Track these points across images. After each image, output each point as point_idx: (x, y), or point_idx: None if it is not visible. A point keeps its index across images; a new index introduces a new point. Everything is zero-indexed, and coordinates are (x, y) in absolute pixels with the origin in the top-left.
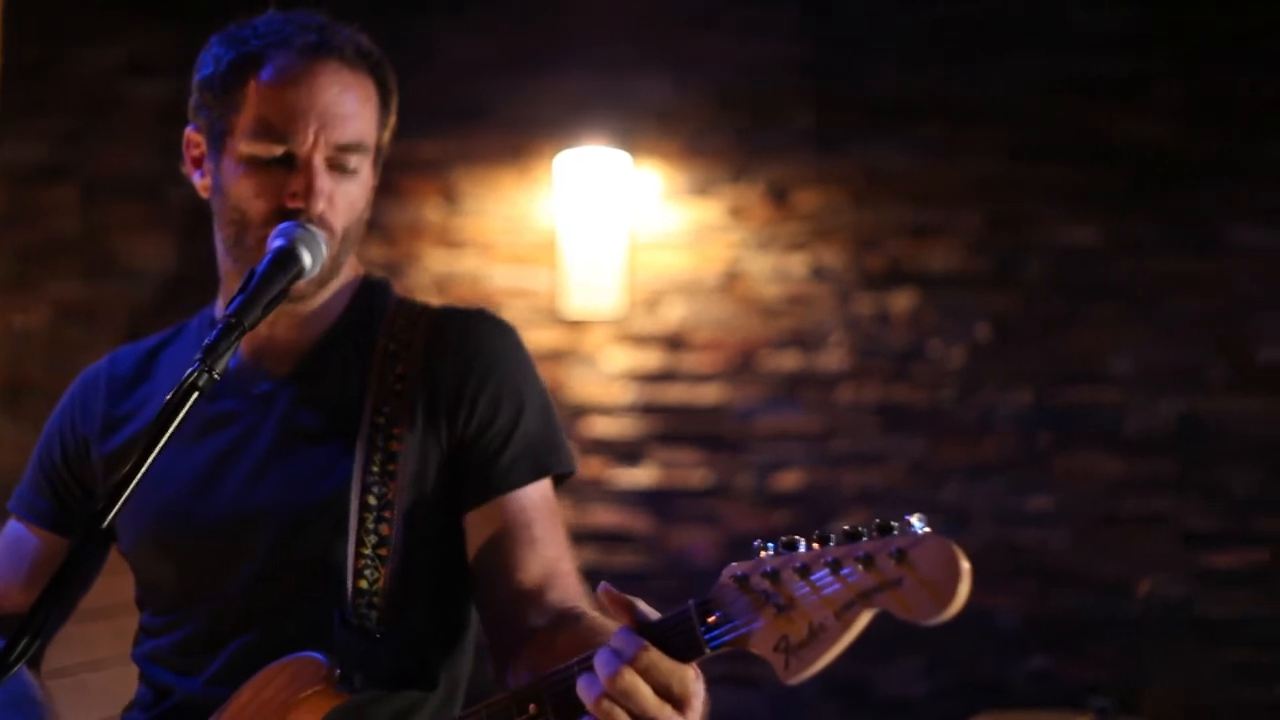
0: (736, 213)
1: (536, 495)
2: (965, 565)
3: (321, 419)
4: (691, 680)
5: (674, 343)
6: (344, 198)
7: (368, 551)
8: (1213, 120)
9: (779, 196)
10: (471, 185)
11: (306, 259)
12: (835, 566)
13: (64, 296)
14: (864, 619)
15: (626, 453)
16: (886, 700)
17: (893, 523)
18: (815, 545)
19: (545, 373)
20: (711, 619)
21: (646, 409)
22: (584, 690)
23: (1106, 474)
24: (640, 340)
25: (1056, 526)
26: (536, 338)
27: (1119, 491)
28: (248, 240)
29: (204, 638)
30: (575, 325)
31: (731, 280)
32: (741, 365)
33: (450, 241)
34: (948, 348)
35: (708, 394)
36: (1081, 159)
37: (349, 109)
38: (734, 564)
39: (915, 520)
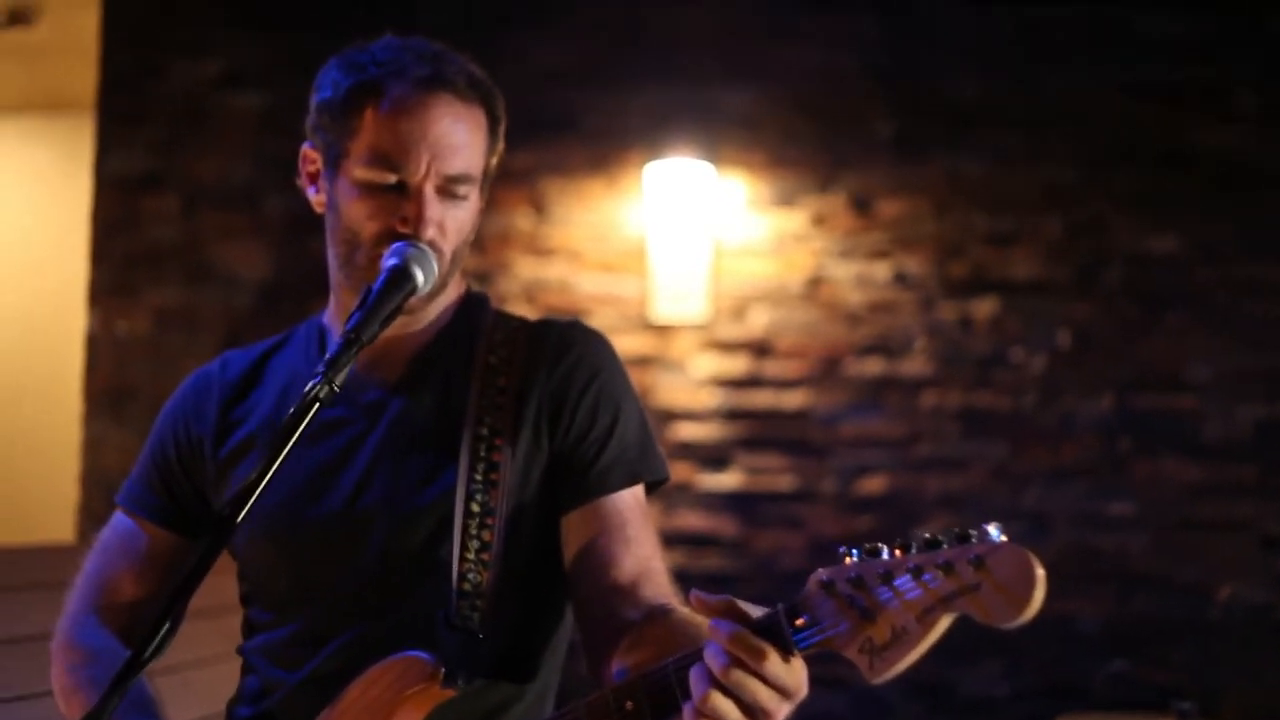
0: (819, 221)
1: (630, 499)
2: (1040, 572)
3: (427, 428)
4: (801, 670)
5: (759, 349)
6: (453, 222)
7: (471, 556)
8: None
9: (861, 205)
10: (560, 194)
11: (419, 277)
12: (917, 572)
13: (165, 303)
14: (944, 623)
15: (712, 457)
16: (969, 701)
17: (971, 531)
18: (897, 552)
19: (633, 378)
20: (800, 621)
21: (732, 414)
22: (695, 683)
23: (1186, 479)
24: (726, 346)
25: (1136, 531)
26: (624, 344)
27: (1198, 497)
28: (358, 259)
29: (310, 634)
30: (662, 331)
31: (815, 287)
32: (826, 371)
33: (539, 249)
34: (1029, 354)
35: (792, 399)
36: (1159, 166)
37: (460, 140)
38: (820, 570)
39: (992, 529)
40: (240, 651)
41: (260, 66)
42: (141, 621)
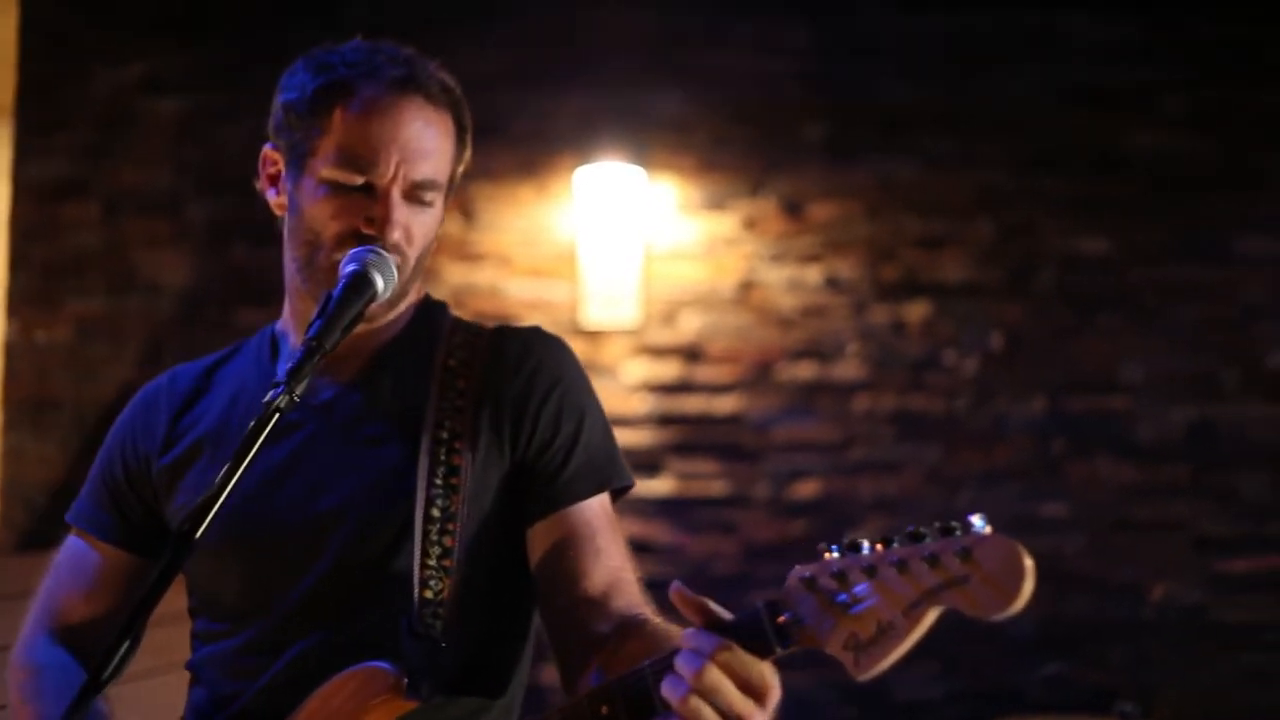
0: (751, 225)
1: (598, 507)
2: (1029, 563)
3: (383, 429)
4: (771, 674)
5: (691, 354)
6: (418, 227)
7: (432, 562)
8: (1221, 130)
9: (792, 209)
10: (488, 200)
11: (379, 283)
12: (902, 566)
13: (86, 311)
14: (930, 616)
15: (645, 463)
16: (903, 705)
17: (954, 523)
18: (879, 547)
19: None
20: (781, 619)
21: (664, 419)
22: (670, 690)
23: (1119, 480)
24: (657, 351)
25: (1070, 533)
26: None
27: (1132, 498)
28: (319, 260)
29: (266, 643)
30: (593, 337)
31: (747, 291)
32: (758, 376)
33: (468, 255)
34: (961, 357)
35: (724, 404)
36: (1091, 170)
37: (429, 145)
38: (800, 566)
39: (976, 520)
40: (189, 666)
41: (182, 72)
42: (94, 640)
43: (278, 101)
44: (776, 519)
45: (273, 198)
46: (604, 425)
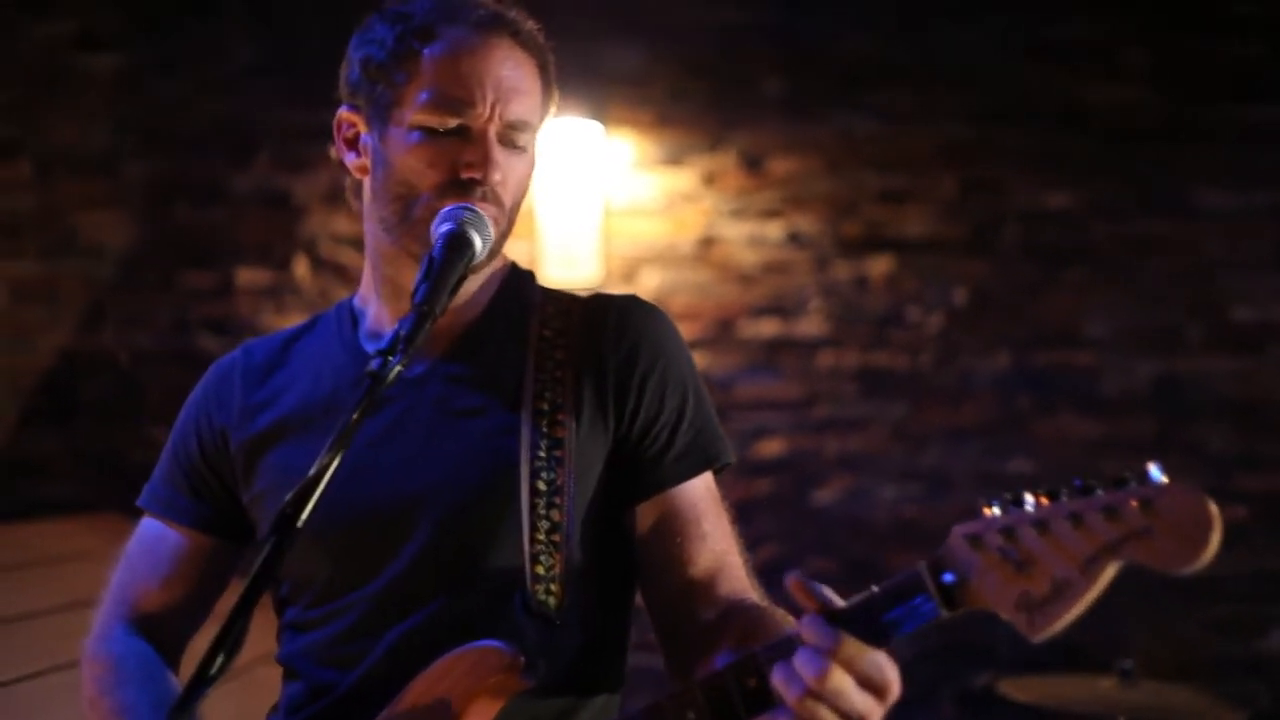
0: (710, 180)
1: (703, 487)
2: (1215, 511)
3: (481, 401)
4: (891, 667)
5: None
6: (513, 174)
7: (541, 537)
8: (1180, 83)
9: (753, 164)
10: None
11: (478, 242)
12: (1076, 520)
13: (21, 275)
14: (1110, 571)
15: None
16: None
17: (1127, 473)
18: (1044, 500)
19: None
20: (946, 579)
21: None
22: (784, 685)
23: (1085, 436)
24: None
25: (1037, 488)
26: None
27: (1098, 453)
28: (415, 212)
29: (363, 628)
30: None
31: (707, 248)
32: (719, 333)
33: None
34: (925, 313)
35: None
36: (1052, 124)
37: (523, 85)
38: (960, 524)
39: (1153, 469)
40: (280, 659)
41: (117, 26)
42: (173, 628)
43: (353, 61)
44: (741, 478)
45: (352, 161)
46: (706, 399)
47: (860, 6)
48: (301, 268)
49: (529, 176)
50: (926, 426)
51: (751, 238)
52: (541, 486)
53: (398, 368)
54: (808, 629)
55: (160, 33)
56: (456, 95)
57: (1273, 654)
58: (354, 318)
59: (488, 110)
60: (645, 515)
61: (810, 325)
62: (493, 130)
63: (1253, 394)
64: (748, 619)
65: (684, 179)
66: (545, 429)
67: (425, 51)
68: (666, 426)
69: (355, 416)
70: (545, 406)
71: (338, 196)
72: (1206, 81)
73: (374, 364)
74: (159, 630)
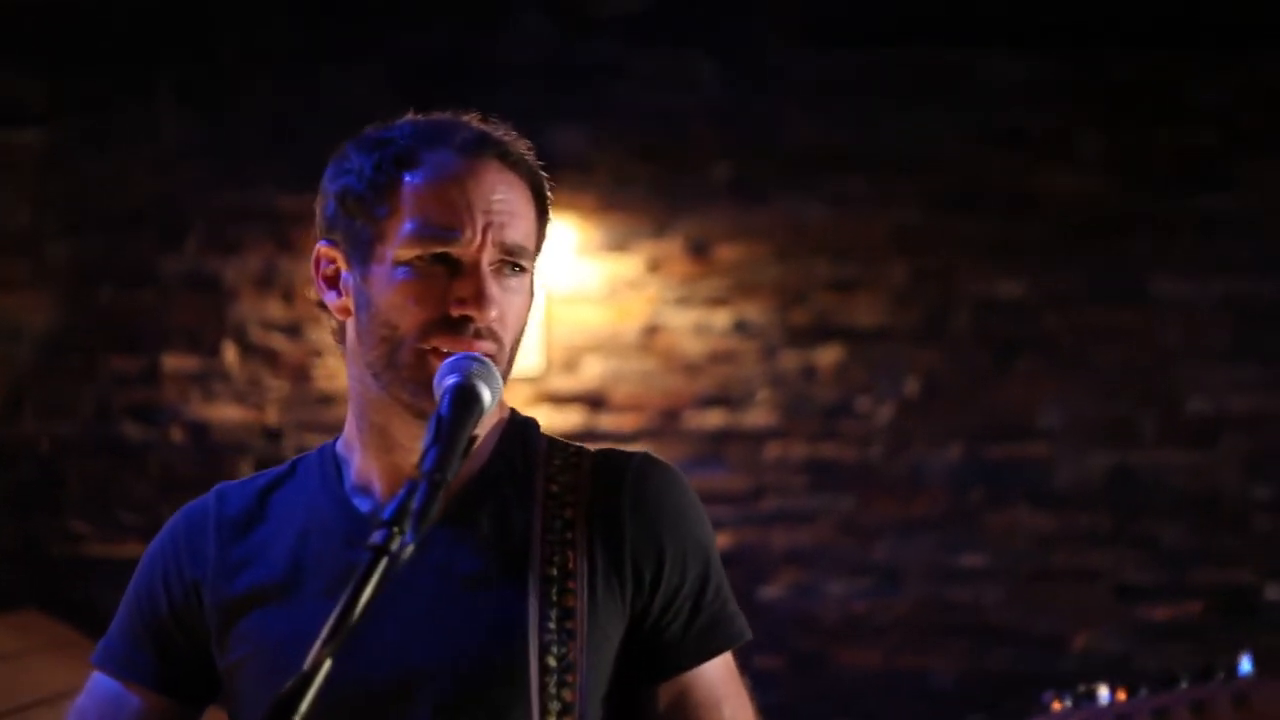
0: (655, 267)
1: (724, 667)
2: None
3: (484, 566)
4: None
5: (594, 401)
6: (511, 308)
7: (552, 719)
8: (1135, 172)
9: (699, 250)
10: None
11: (486, 395)
12: (1161, 716)
13: None
14: None
15: None
16: None
17: (1214, 664)
18: (1121, 695)
19: None
20: None
21: None
22: None
23: (1039, 529)
24: (559, 399)
25: (990, 583)
26: None
27: (1052, 546)
28: (402, 356)
29: None
30: None
31: (651, 336)
32: (664, 424)
33: None
34: (875, 403)
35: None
36: (1006, 211)
37: (516, 208)
38: (1038, 719)
39: (1244, 661)
40: None
41: (43, 100)
42: None
43: (328, 193)
44: None
45: (333, 301)
46: (722, 571)
47: (810, 91)
48: (231, 354)
49: (528, 309)
50: (877, 519)
51: (697, 326)
52: (552, 663)
53: (410, 547)
54: None
55: (88, 109)
56: (443, 224)
57: None
58: (338, 466)
59: (479, 238)
60: (664, 697)
61: (758, 416)
62: (485, 260)
63: (1207, 487)
64: None
65: (628, 265)
66: (555, 597)
67: (407, 179)
68: (688, 600)
69: (357, 596)
70: (554, 572)
71: (269, 280)
72: (1162, 170)
73: (377, 536)
74: None
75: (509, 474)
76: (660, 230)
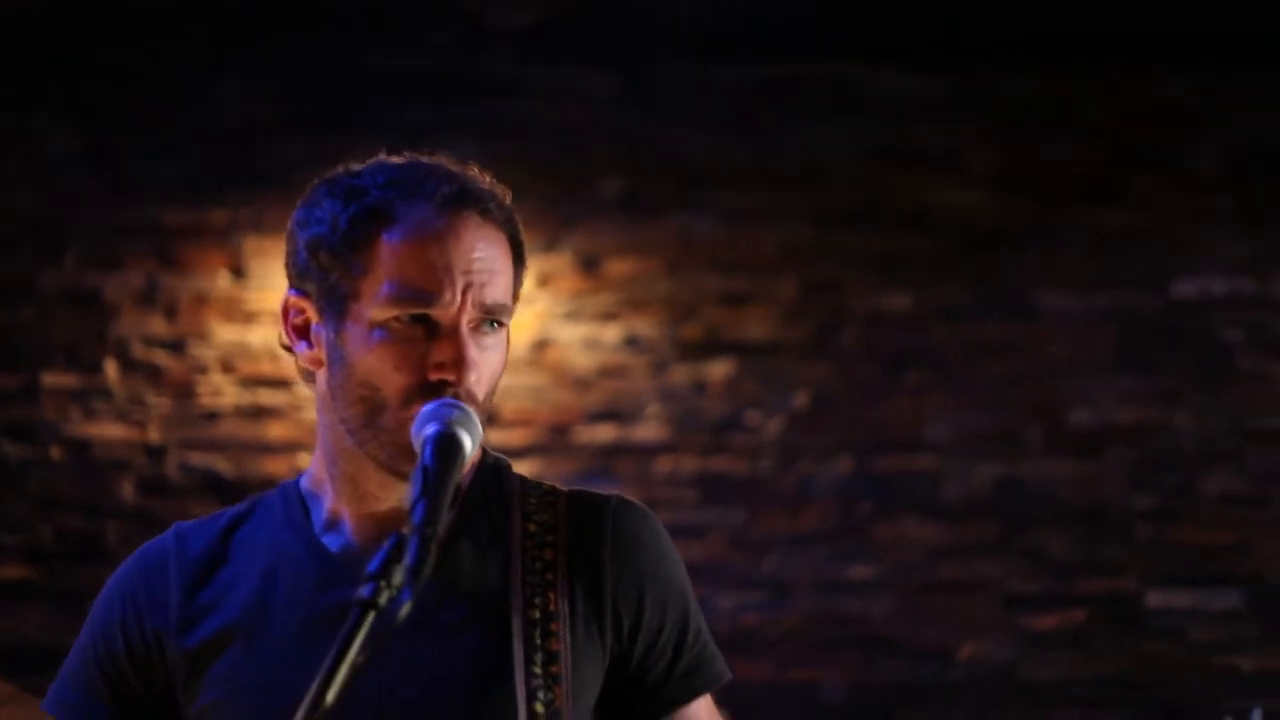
0: (545, 282)
1: (706, 708)
2: None
3: (465, 613)
4: None
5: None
6: (488, 366)
7: None
8: (1022, 188)
9: (589, 265)
10: (263, 254)
11: (468, 443)
12: None
13: None
14: None
15: None
16: None
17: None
18: None
19: None
20: None
21: None
22: None
23: (927, 540)
24: None
25: (879, 595)
26: None
27: (939, 557)
28: (384, 421)
29: None
30: None
31: (541, 351)
32: (554, 439)
33: (241, 314)
34: (765, 417)
35: (520, 469)
36: (894, 226)
37: (496, 265)
38: None
39: (1256, 714)
40: None
41: None
42: None
43: (298, 240)
44: None
45: (304, 352)
46: (699, 613)
47: (702, 106)
48: (112, 370)
49: (502, 366)
50: (767, 533)
51: (587, 341)
52: (539, 709)
53: (408, 605)
54: None
55: None
56: (421, 287)
57: None
58: (304, 504)
59: (458, 299)
60: None
61: (648, 431)
62: (465, 321)
63: (1092, 497)
64: None
65: None
66: (539, 641)
67: (384, 237)
68: (670, 643)
69: (345, 652)
70: (537, 615)
71: (151, 296)
72: (1049, 186)
73: (365, 591)
74: None
75: (485, 514)
76: (550, 244)
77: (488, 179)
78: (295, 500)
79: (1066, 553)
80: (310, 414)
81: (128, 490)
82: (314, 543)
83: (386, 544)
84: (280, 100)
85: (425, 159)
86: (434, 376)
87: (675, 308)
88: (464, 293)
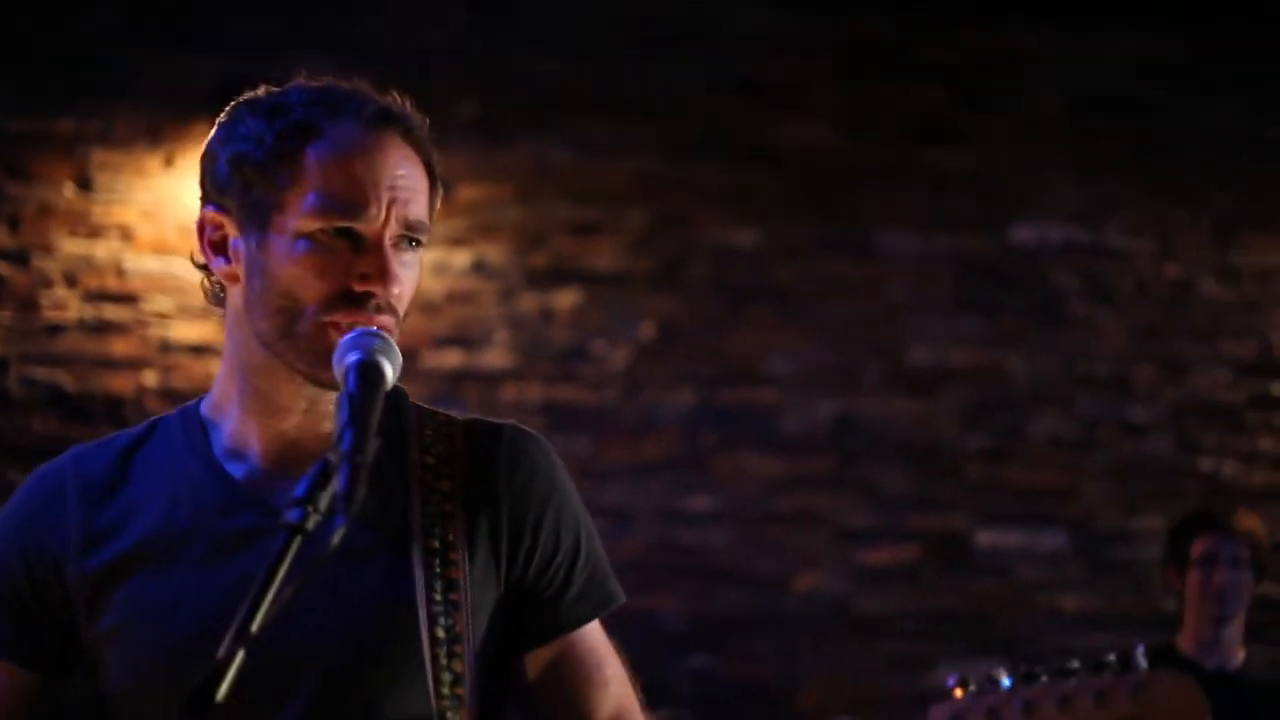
0: None
1: (597, 630)
2: (1206, 702)
3: (367, 539)
4: None
5: None
6: (409, 281)
7: (446, 690)
8: (869, 126)
9: (441, 189)
10: (108, 167)
11: (389, 370)
12: (1064, 703)
13: None
14: None
15: None
16: None
17: (1108, 658)
18: (1021, 681)
19: (195, 368)
20: None
21: None
22: None
23: (766, 473)
24: None
25: (718, 526)
26: (184, 332)
27: (778, 490)
28: (301, 328)
29: None
30: None
31: None
32: (402, 363)
33: (85, 227)
34: (611, 347)
35: None
36: (742, 161)
37: (417, 184)
38: (938, 705)
39: (1139, 654)
40: None
41: None
42: None
43: (219, 155)
44: None
45: (221, 268)
46: (595, 537)
47: (557, 34)
48: None
49: (417, 282)
50: (611, 462)
51: (437, 266)
52: (440, 634)
53: (341, 529)
54: None
55: None
56: (348, 199)
57: (940, 689)
58: (204, 429)
59: (383, 214)
60: (541, 663)
61: (494, 357)
62: (388, 236)
63: (926, 435)
64: None
65: None
66: (439, 569)
67: (310, 151)
68: (562, 566)
69: (272, 576)
70: (436, 544)
71: None
72: (893, 125)
73: (293, 515)
74: None
75: (384, 446)
76: None
77: (407, 103)
78: (195, 425)
79: (900, 489)
80: (156, 331)
81: None
82: (217, 468)
83: (312, 470)
84: (129, 11)
85: (336, 84)
86: (359, 287)
87: (525, 235)
88: (389, 208)
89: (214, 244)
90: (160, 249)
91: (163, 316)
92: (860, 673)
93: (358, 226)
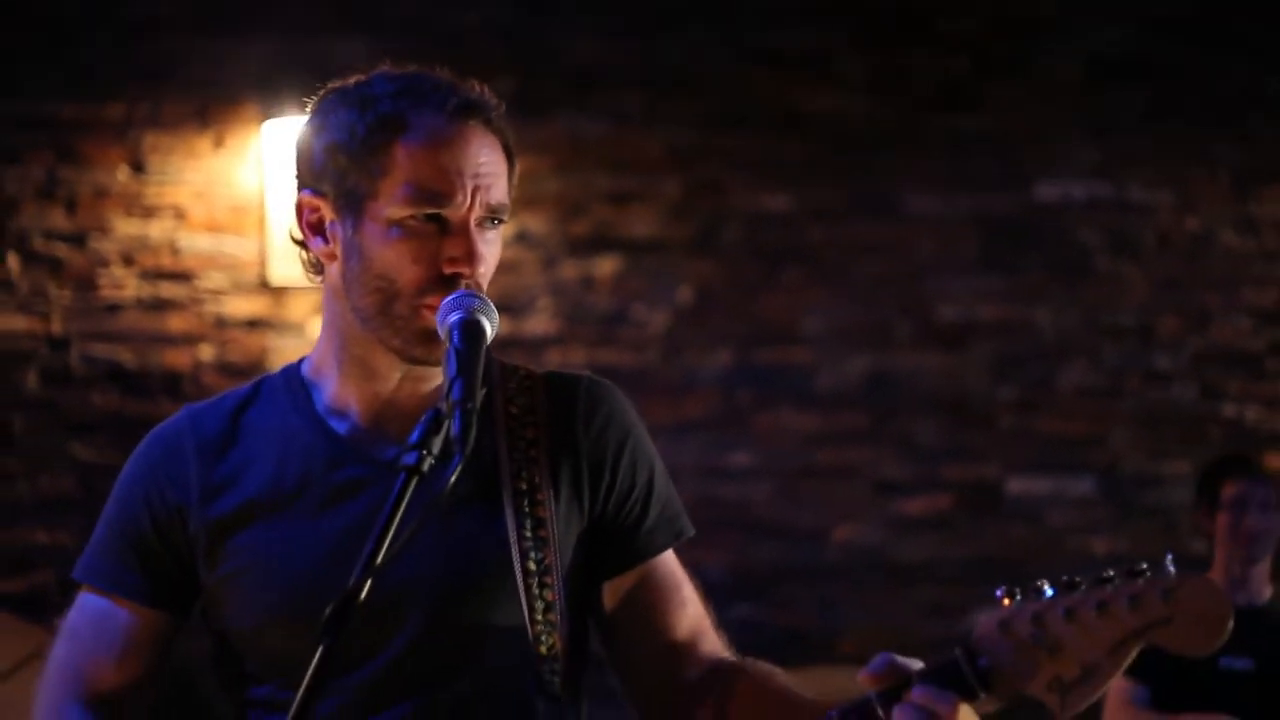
0: None
1: (673, 558)
2: (1229, 602)
3: (461, 482)
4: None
5: None
6: (492, 259)
7: (539, 617)
8: (892, 93)
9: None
10: (161, 150)
11: (488, 328)
12: (1102, 608)
13: None
14: (1133, 653)
15: None
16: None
17: (1142, 565)
18: (1065, 591)
19: (249, 342)
20: (981, 664)
21: None
22: None
23: (802, 429)
24: None
25: (757, 481)
26: (237, 307)
27: (814, 445)
28: (398, 309)
29: (351, 711)
30: (279, 293)
31: None
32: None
33: (140, 208)
34: (650, 311)
35: None
36: (772, 129)
37: (498, 169)
38: (988, 612)
39: (1169, 562)
40: None
41: None
42: (132, 709)
43: (316, 145)
44: None
45: (320, 248)
46: (666, 473)
47: (590, 10)
48: (14, 263)
49: (499, 253)
50: (651, 422)
51: None
52: (532, 567)
53: (458, 469)
54: (922, 695)
55: None
56: (436, 189)
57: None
58: (306, 389)
59: (468, 200)
60: (623, 589)
61: (538, 324)
62: (473, 220)
63: (956, 389)
64: (745, 674)
65: None
66: (528, 509)
67: (399, 143)
68: (639, 501)
69: (394, 514)
70: (524, 487)
71: (51, 190)
72: (915, 92)
73: (409, 458)
74: (115, 710)
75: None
76: None
77: (485, 90)
78: (299, 385)
79: (933, 441)
80: (210, 307)
81: (32, 381)
82: (321, 425)
83: (424, 418)
84: None
85: (420, 72)
86: (448, 270)
87: (565, 205)
88: (473, 194)
89: (312, 225)
90: (212, 228)
91: (216, 293)
92: (897, 619)
93: (445, 213)
